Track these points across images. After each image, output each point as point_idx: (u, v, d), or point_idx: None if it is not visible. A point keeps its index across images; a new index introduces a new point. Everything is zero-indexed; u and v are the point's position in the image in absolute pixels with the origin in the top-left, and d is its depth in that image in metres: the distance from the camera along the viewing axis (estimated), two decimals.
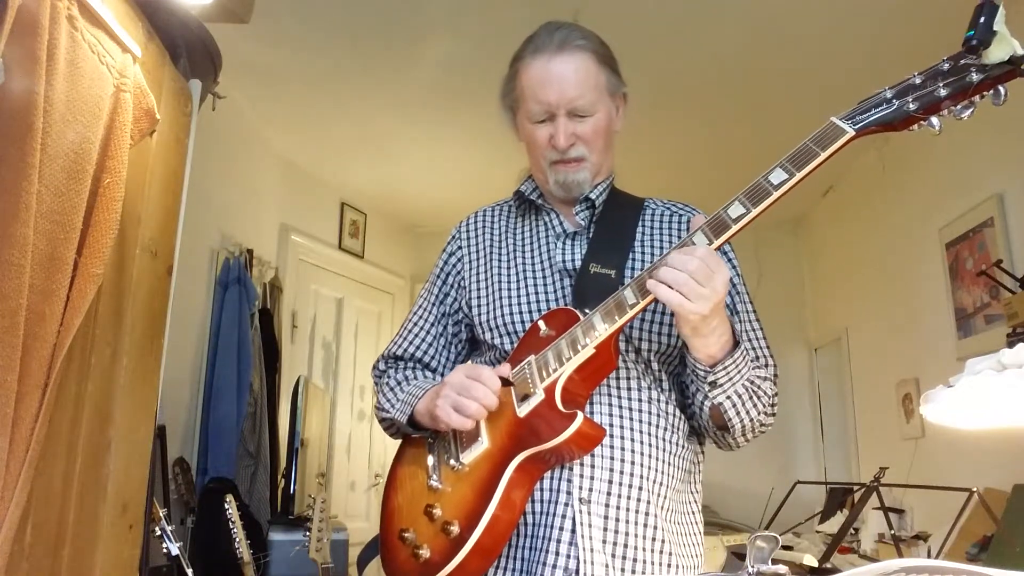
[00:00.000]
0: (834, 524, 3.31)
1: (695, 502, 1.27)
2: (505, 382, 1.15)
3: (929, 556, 2.44)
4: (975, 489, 2.06)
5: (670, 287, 1.01)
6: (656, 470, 1.17)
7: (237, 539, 2.39)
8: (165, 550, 2.03)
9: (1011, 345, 0.95)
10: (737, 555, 3.04)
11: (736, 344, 1.11)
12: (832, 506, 3.59)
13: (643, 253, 1.27)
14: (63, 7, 1.21)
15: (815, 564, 2.30)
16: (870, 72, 3.02)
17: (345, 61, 3.18)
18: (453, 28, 2.93)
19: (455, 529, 1.10)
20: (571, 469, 1.14)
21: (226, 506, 2.42)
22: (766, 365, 1.24)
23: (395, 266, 5.13)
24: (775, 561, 0.71)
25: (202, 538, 2.78)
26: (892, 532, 2.43)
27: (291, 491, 3.42)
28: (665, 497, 1.18)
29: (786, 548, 2.86)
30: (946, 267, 3.08)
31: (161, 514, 2.03)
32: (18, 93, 1.11)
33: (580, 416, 1.07)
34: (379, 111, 3.62)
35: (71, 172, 1.24)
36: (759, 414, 1.18)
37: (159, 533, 2.02)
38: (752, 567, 0.71)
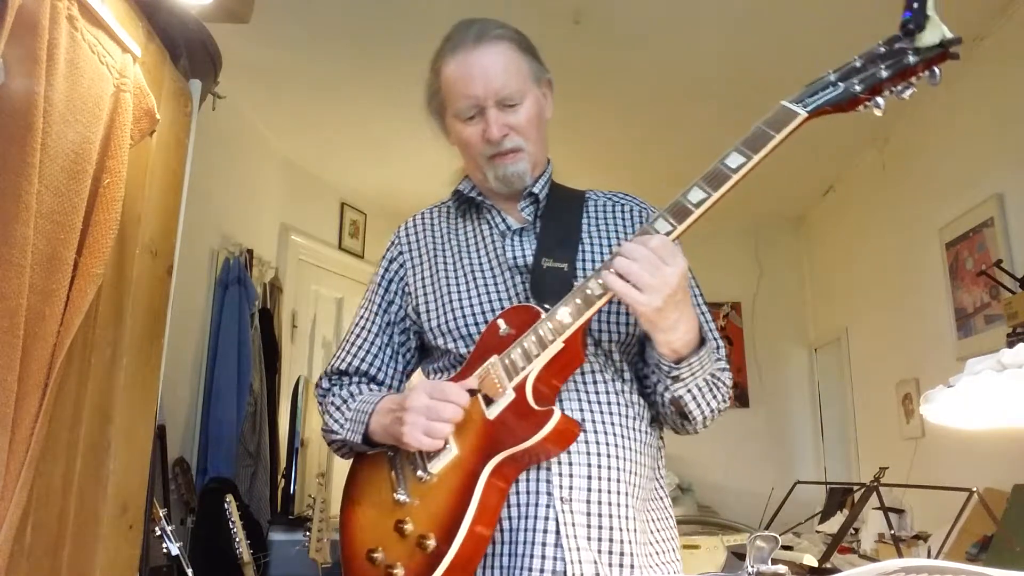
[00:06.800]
0: (834, 524, 3.31)
1: (662, 487, 1.26)
2: (472, 392, 1.11)
3: (929, 556, 2.44)
4: (975, 489, 2.06)
5: (621, 277, 1.01)
6: (631, 460, 1.16)
7: (237, 539, 2.39)
8: (165, 550, 2.03)
9: (1011, 345, 0.95)
10: (737, 555, 3.04)
11: (702, 341, 1.11)
12: (832, 506, 3.59)
13: (592, 245, 1.26)
14: (63, 7, 1.21)
15: (815, 564, 2.29)
16: None
17: (345, 61, 3.18)
18: None
19: (431, 543, 1.06)
20: (549, 469, 1.11)
21: (226, 506, 2.42)
22: (718, 348, 1.24)
23: None
24: (775, 561, 0.71)
25: (202, 538, 2.78)
26: (892, 532, 2.43)
27: (291, 491, 3.42)
28: (640, 487, 1.18)
29: (786, 548, 2.85)
30: (946, 267, 3.08)
31: (161, 514, 2.03)
32: (18, 93, 1.11)
33: (557, 412, 1.06)
34: (379, 111, 3.62)
35: (71, 172, 1.24)
36: (719, 404, 1.19)
37: (159, 533, 2.02)
38: (752, 567, 0.71)
